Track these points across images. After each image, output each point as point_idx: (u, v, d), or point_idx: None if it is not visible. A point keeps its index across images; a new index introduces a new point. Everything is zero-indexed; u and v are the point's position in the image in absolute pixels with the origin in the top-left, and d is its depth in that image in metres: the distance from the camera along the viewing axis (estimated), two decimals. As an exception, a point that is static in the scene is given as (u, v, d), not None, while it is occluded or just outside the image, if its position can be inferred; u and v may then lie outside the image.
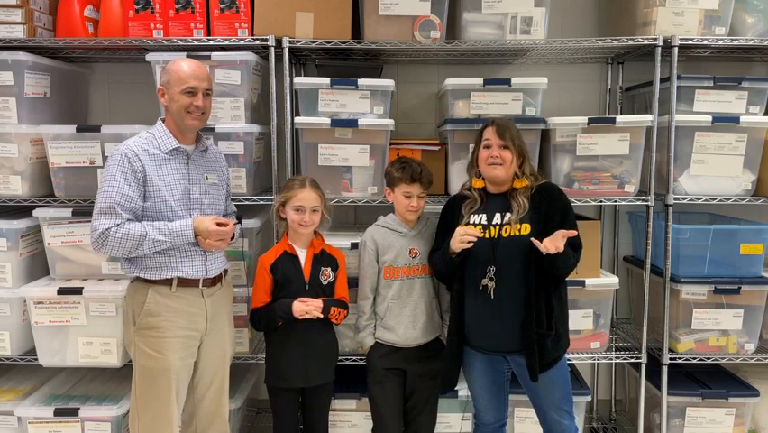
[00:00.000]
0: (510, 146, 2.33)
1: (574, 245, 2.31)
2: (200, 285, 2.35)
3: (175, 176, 2.31)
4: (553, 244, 2.17)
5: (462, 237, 2.27)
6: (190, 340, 2.34)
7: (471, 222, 2.38)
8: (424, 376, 2.58)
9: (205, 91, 2.31)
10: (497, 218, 2.36)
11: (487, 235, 2.33)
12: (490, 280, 2.32)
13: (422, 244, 2.58)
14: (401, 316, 2.54)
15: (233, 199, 2.69)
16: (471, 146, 2.80)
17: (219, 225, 2.29)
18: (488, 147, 2.37)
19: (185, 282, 2.31)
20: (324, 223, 2.56)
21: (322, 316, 2.45)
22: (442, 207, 2.62)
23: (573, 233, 2.21)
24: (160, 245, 2.24)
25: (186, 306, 2.32)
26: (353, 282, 2.66)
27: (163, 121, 2.36)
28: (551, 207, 2.33)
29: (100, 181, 2.28)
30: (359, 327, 2.63)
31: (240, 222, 2.49)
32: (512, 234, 2.31)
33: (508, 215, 2.34)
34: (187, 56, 2.76)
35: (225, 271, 2.51)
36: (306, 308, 2.43)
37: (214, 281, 2.40)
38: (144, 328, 2.29)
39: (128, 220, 2.22)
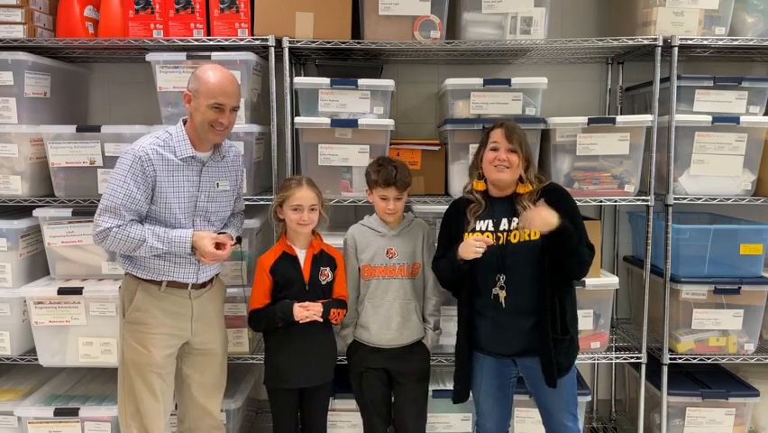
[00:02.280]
0: (518, 150, 2.29)
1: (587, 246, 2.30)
2: (189, 288, 2.37)
3: (185, 183, 2.30)
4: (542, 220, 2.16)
5: (476, 245, 2.22)
6: (173, 339, 2.36)
7: (478, 229, 2.34)
8: (409, 377, 2.57)
9: (232, 108, 2.28)
10: (504, 224, 2.32)
11: (495, 242, 2.28)
12: (501, 288, 2.29)
13: (402, 244, 2.56)
14: (376, 315, 2.54)
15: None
16: (472, 146, 2.80)
17: (218, 244, 2.29)
18: (495, 150, 2.31)
19: (174, 284, 2.34)
20: (322, 222, 2.56)
21: (322, 320, 2.45)
22: (442, 207, 2.61)
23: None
24: (157, 252, 2.26)
25: (171, 305, 2.34)
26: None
27: (184, 123, 2.33)
28: (559, 210, 2.26)
29: (109, 175, 2.27)
30: (342, 323, 2.62)
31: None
32: (522, 239, 2.27)
33: (515, 220, 2.30)
34: (188, 56, 2.77)
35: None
36: (307, 313, 2.43)
37: (203, 284, 2.41)
38: (132, 323, 2.32)
39: (131, 221, 2.22)
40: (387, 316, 2.53)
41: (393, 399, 2.63)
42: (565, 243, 2.19)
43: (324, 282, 2.52)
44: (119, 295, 2.41)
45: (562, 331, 2.28)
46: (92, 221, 2.75)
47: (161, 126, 2.53)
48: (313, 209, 2.48)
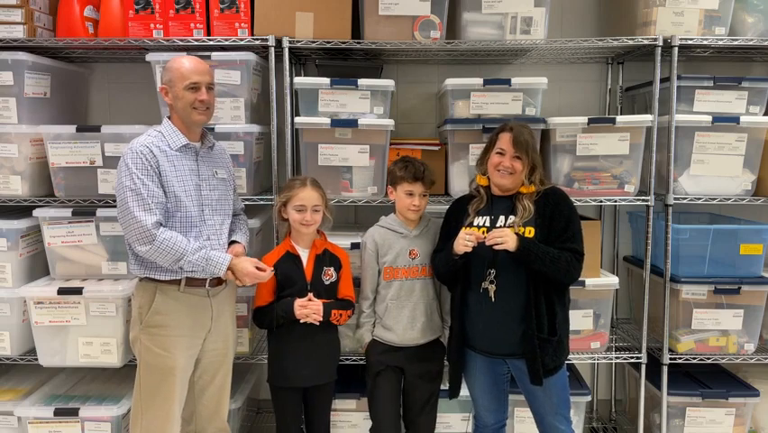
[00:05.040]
0: (523, 157, 2.31)
1: (575, 252, 2.30)
2: (206, 285, 2.36)
3: (187, 172, 2.32)
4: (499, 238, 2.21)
5: (466, 239, 2.26)
6: (194, 339, 2.36)
7: (475, 224, 2.37)
8: (423, 377, 2.58)
9: (207, 85, 2.32)
10: (500, 221, 2.34)
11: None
12: (491, 283, 2.31)
13: (422, 245, 2.57)
14: (400, 316, 2.54)
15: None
16: (472, 146, 2.81)
17: (258, 268, 2.33)
18: (501, 154, 2.34)
19: (192, 282, 2.32)
20: (326, 222, 2.57)
21: (321, 320, 2.45)
22: (442, 207, 2.62)
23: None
24: (192, 267, 2.25)
25: (192, 305, 2.34)
26: (356, 282, 2.66)
27: (169, 119, 2.36)
28: (555, 212, 2.31)
29: (118, 185, 2.25)
30: (358, 323, 2.64)
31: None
32: None
33: (512, 218, 2.33)
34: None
35: None
36: (306, 311, 2.43)
37: (219, 281, 2.41)
38: (151, 327, 2.30)
39: (161, 224, 2.22)
40: (411, 316, 2.54)
41: (402, 398, 2.62)
42: (532, 265, 2.24)
43: (327, 282, 2.53)
44: (134, 302, 2.38)
45: (549, 332, 2.28)
46: (91, 221, 2.79)
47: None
48: (316, 210, 2.48)
